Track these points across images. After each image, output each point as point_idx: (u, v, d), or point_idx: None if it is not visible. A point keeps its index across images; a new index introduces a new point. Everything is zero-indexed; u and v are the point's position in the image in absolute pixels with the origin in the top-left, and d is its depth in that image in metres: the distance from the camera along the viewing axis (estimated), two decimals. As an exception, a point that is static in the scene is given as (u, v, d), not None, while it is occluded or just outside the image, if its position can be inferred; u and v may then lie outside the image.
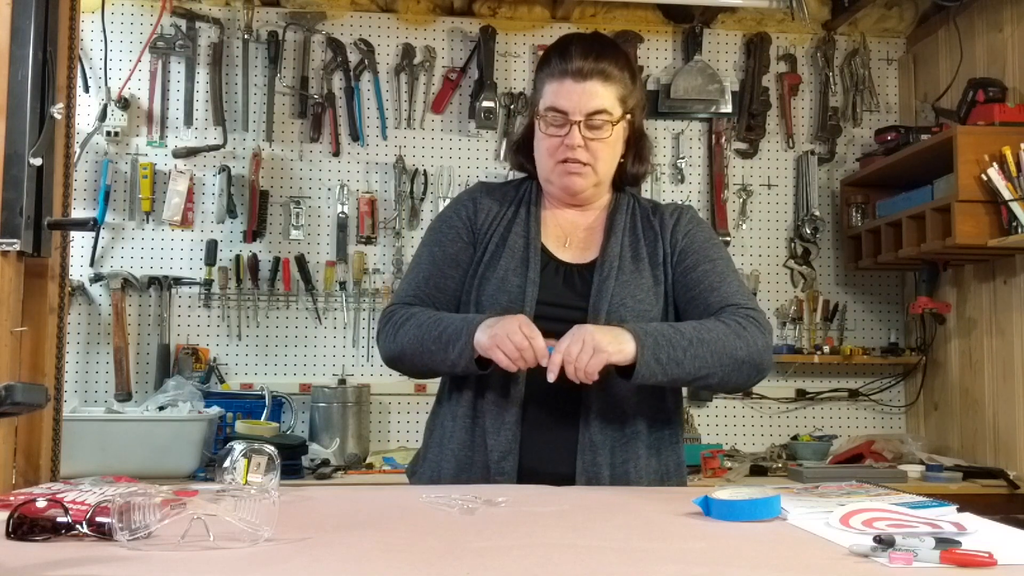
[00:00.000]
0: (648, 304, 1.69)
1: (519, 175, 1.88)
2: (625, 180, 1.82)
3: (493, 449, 1.63)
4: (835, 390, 3.71)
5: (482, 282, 1.71)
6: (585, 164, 1.70)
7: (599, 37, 1.79)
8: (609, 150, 1.72)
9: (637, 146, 1.79)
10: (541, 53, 1.86)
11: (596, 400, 1.63)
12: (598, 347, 1.50)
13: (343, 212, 3.56)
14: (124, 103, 3.45)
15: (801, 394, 3.69)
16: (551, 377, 1.51)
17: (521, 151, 1.84)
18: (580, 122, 1.66)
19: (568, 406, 1.64)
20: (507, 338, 1.52)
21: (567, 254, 1.75)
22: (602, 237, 1.76)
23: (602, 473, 1.62)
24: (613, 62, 1.70)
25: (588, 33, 1.77)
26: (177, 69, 3.53)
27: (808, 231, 3.71)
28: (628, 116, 1.73)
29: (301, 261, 3.51)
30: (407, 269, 1.84)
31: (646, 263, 1.74)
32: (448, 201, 1.99)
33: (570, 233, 1.78)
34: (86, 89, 3.43)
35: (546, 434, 1.64)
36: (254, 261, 3.48)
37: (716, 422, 3.66)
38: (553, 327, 1.58)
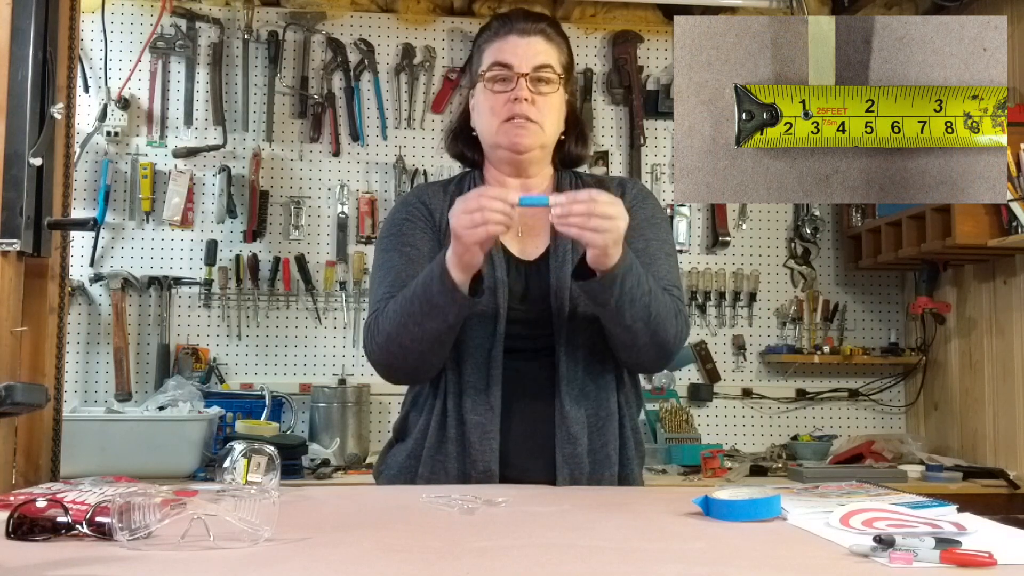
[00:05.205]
0: None
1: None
2: (566, 161, 1.77)
3: (478, 460, 1.58)
4: (835, 390, 3.71)
5: None
6: (533, 121, 1.64)
7: (541, 13, 1.76)
8: (555, 110, 1.68)
9: (578, 127, 1.76)
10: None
11: (569, 390, 1.60)
12: (617, 239, 1.45)
13: (343, 212, 3.56)
14: (124, 103, 3.45)
15: (801, 394, 3.69)
16: (557, 209, 1.43)
17: (460, 137, 1.78)
18: (527, 75, 1.63)
19: (543, 402, 1.61)
20: (470, 201, 1.45)
21: (521, 245, 1.69)
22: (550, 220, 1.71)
23: (583, 462, 1.59)
24: (554, 29, 1.71)
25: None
26: (177, 69, 3.53)
27: (808, 231, 3.71)
28: (568, 90, 1.71)
29: (301, 261, 3.51)
30: (373, 279, 1.71)
31: None
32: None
33: (519, 221, 1.69)
34: (86, 89, 3.43)
35: (525, 433, 1.61)
36: (254, 261, 3.48)
37: (716, 422, 3.66)
38: (524, 325, 1.59)
